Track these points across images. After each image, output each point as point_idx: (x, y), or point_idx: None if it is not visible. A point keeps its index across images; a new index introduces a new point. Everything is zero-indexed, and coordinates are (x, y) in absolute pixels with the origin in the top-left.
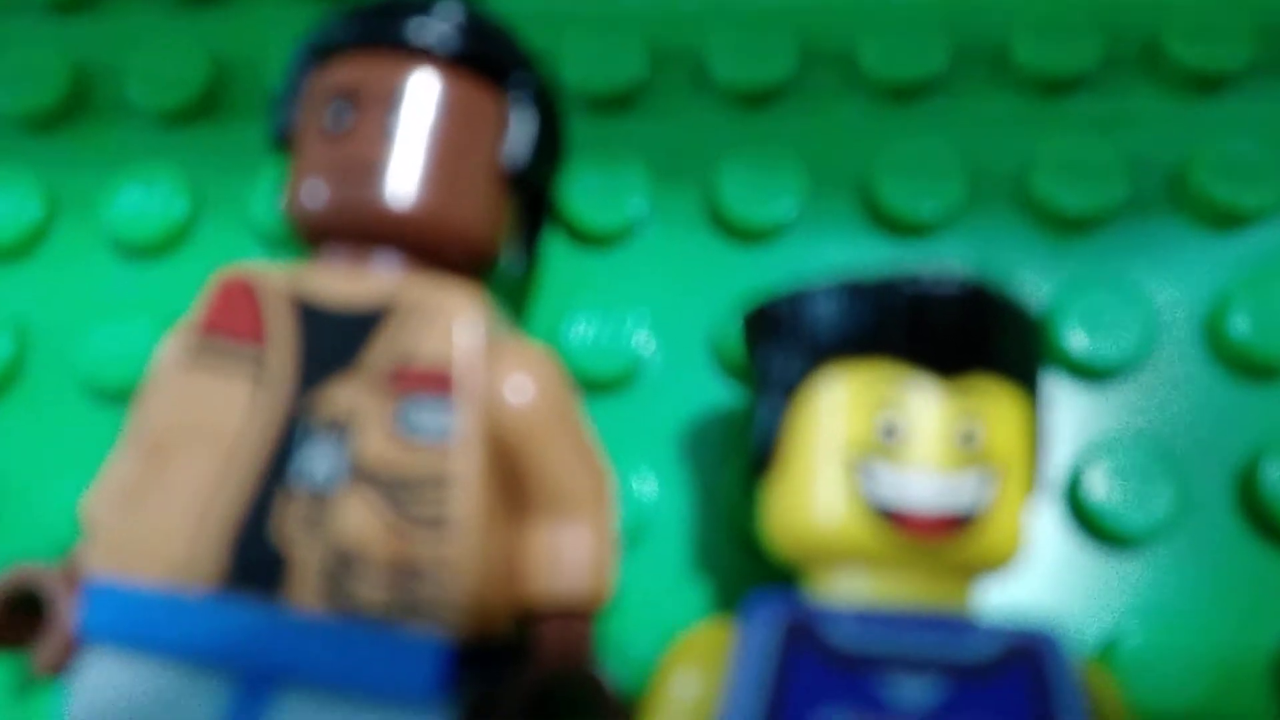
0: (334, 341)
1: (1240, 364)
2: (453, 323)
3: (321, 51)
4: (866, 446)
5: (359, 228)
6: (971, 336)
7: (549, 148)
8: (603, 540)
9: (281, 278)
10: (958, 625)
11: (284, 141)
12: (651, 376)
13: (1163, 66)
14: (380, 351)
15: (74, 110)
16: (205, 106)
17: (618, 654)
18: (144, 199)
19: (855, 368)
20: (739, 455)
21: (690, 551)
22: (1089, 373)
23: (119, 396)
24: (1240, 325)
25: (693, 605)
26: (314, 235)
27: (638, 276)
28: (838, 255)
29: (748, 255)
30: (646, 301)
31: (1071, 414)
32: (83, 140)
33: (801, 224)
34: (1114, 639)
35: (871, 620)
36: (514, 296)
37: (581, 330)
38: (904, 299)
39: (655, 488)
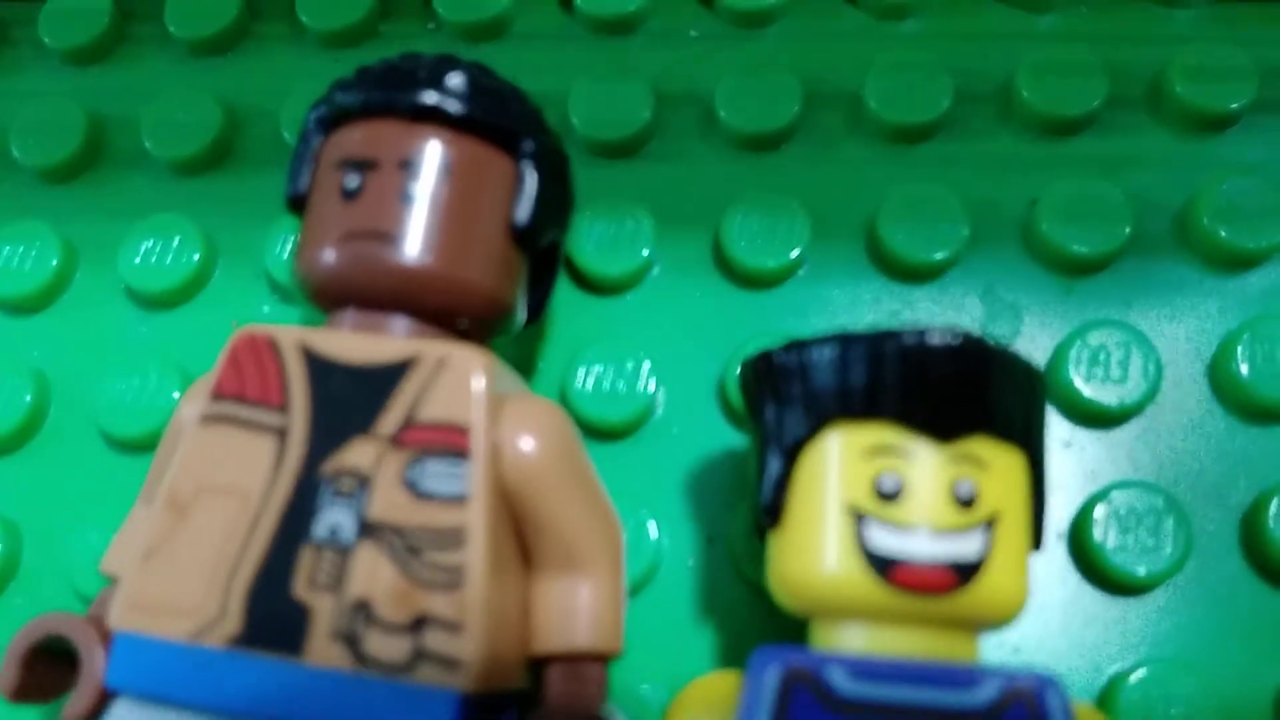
0: (350, 401)
1: (1246, 407)
2: (462, 381)
3: (333, 117)
4: (866, 506)
5: (372, 290)
6: (967, 402)
7: (558, 206)
8: (614, 593)
9: (299, 338)
10: (956, 673)
11: (297, 206)
12: (660, 423)
13: (1167, 107)
14: (394, 411)
15: (91, 161)
16: (218, 156)
17: (625, 701)
18: (160, 250)
19: (855, 428)
20: (746, 503)
21: (698, 598)
22: (1094, 417)
23: (137, 446)
24: (1246, 368)
25: (701, 652)
26: (327, 298)
27: (645, 323)
28: (843, 299)
29: (754, 300)
30: (654, 348)
31: (1076, 458)
32: (99, 191)
33: (807, 269)
34: (1119, 684)
35: (872, 668)
36: (524, 344)
37: (590, 377)
38: (897, 364)
39: (664, 534)
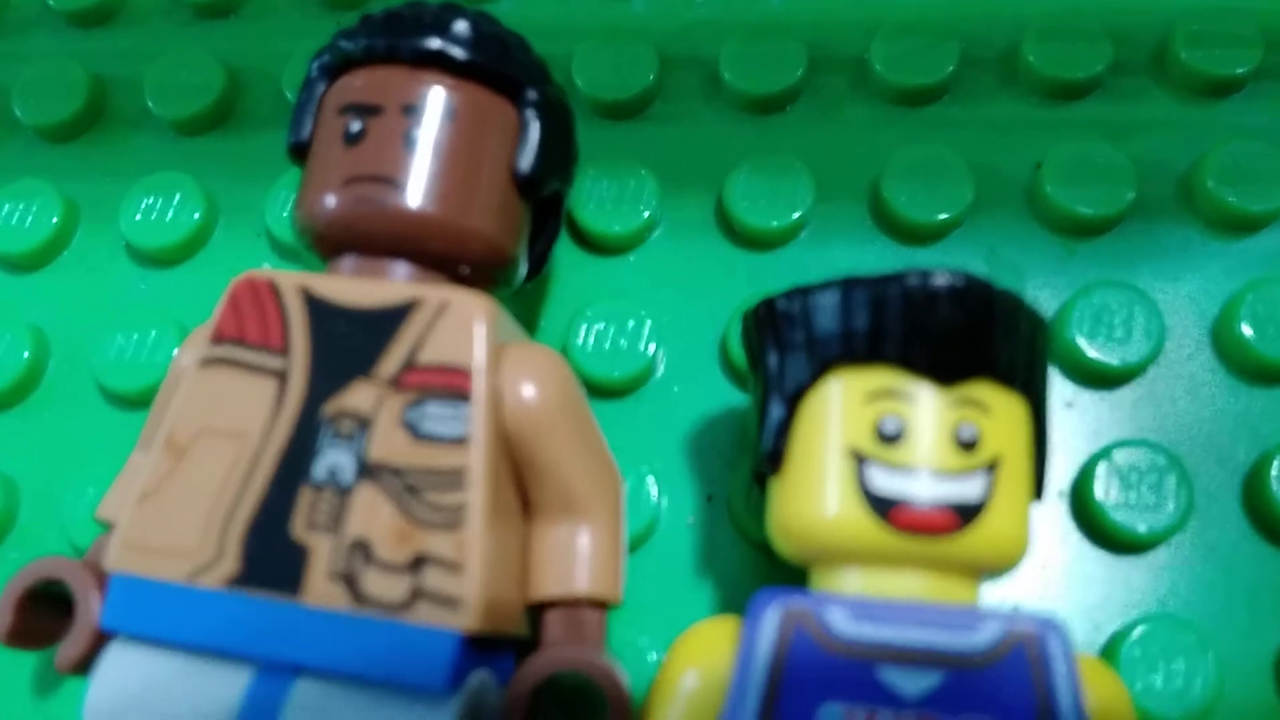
0: (350, 345)
1: (1248, 368)
2: (464, 325)
3: (336, 64)
4: (867, 448)
5: (374, 236)
6: (969, 345)
7: (561, 156)
8: (614, 540)
9: (299, 282)
10: (957, 615)
11: (299, 154)
12: (661, 382)
13: (1172, 71)
14: (394, 354)
15: (93, 121)
16: (220, 117)
17: (623, 654)
18: (161, 208)
19: (857, 372)
20: (748, 456)
21: (697, 555)
22: (1097, 377)
23: (136, 402)
24: (1249, 329)
25: (699, 607)
26: (327, 244)
27: (647, 282)
28: (847, 261)
29: (756, 261)
30: (656, 307)
31: (1079, 417)
32: (101, 151)
33: (810, 230)
34: (1119, 641)
35: (872, 610)
36: (526, 302)
37: (592, 335)
38: (900, 308)
39: (663, 492)
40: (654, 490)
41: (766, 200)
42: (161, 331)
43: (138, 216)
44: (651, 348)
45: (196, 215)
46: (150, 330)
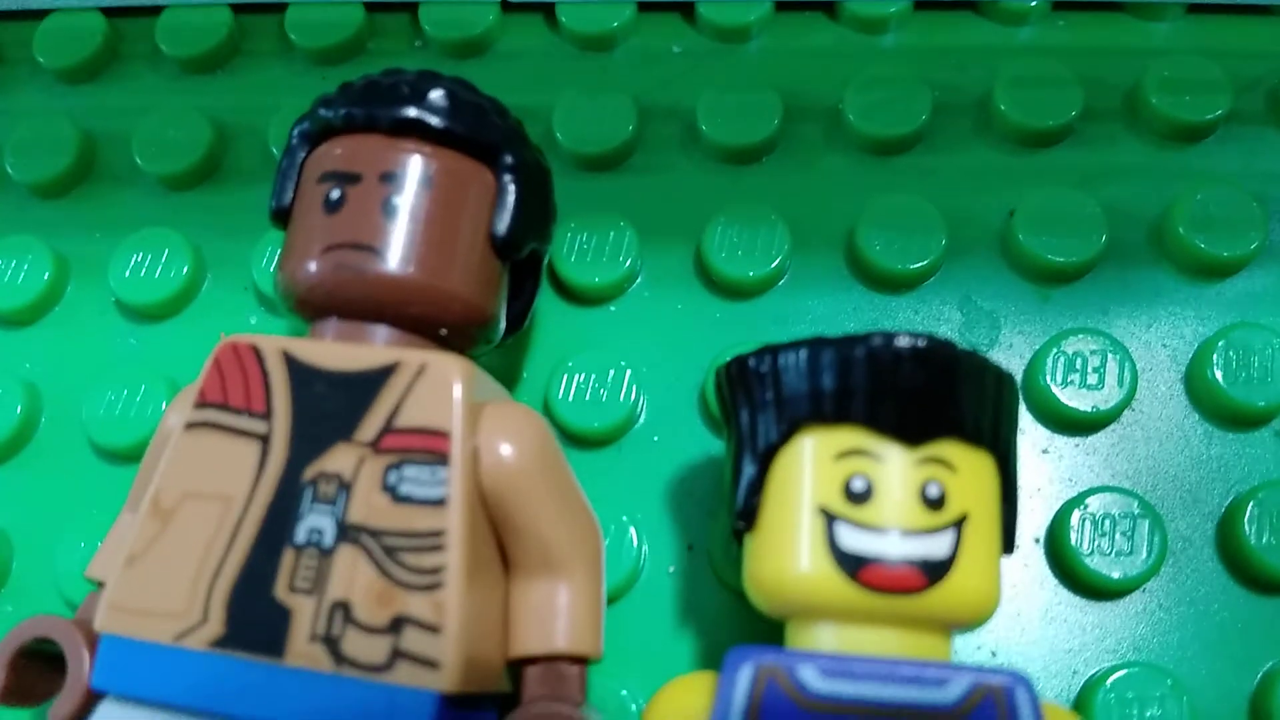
0: (332, 408)
1: (1221, 413)
2: (441, 388)
3: (316, 132)
4: (836, 507)
5: (354, 301)
6: (934, 406)
7: (538, 218)
8: (593, 596)
9: (281, 346)
10: (927, 670)
11: (281, 219)
12: (641, 431)
13: (1143, 118)
14: (375, 417)
15: (82, 177)
16: (207, 172)
17: (605, 706)
18: (149, 263)
19: (826, 431)
20: (725, 510)
21: (678, 605)
22: (1071, 423)
23: (127, 456)
24: (1221, 374)
25: (680, 658)
26: (309, 308)
27: (628, 332)
28: (823, 310)
29: (735, 311)
30: (636, 357)
31: (1053, 464)
32: (90, 206)
33: (787, 279)
34: (1094, 687)
35: (844, 666)
36: (507, 354)
37: (573, 386)
38: (866, 369)
39: (644, 541)
40: (635, 539)
41: (744, 250)
42: (151, 386)
43: (127, 272)
44: (632, 397)
45: (185, 270)
46: (140, 385)
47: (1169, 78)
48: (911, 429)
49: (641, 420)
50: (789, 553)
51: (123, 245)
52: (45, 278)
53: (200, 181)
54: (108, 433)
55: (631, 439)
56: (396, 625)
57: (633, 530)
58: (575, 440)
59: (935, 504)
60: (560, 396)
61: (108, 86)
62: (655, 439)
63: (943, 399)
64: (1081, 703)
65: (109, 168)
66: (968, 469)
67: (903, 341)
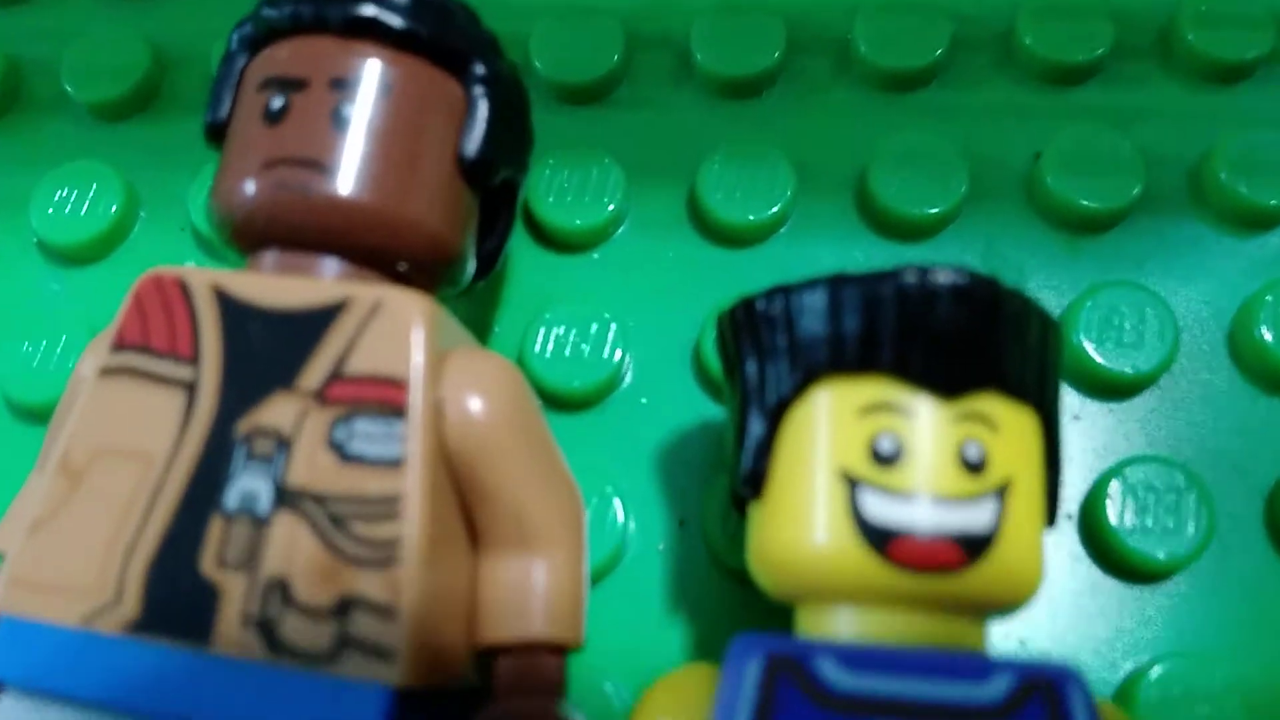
0: (270, 352)
1: (1268, 376)
2: (399, 329)
3: (259, 36)
4: (860, 471)
5: (298, 227)
6: (974, 352)
7: (513, 139)
8: (574, 575)
9: (213, 280)
10: (964, 663)
11: (217, 135)
12: (628, 392)
13: (1179, 55)
14: (319, 362)
15: (5, 106)
16: (143, 101)
17: (587, 701)
18: (75, 200)
19: (848, 383)
20: (724, 475)
21: (669, 587)
22: (1105, 387)
23: (44, 415)
24: (1268, 333)
25: (671, 647)
26: (246, 237)
27: (612, 282)
28: (830, 259)
29: (732, 260)
30: (622, 310)
31: (1087, 431)
32: (12, 138)
33: (790, 225)
34: (1137, 680)
35: (867, 658)
36: (477, 304)
37: (550, 341)
38: (896, 309)
39: (631, 516)
40: (620, 514)
41: (743, 193)
42: (73, 337)
43: (50, 210)
44: (617, 354)
45: (114, 208)
46: (61, 335)
47: (1206, 12)
48: (948, 379)
49: (627, 380)
50: (804, 524)
51: (46, 179)
52: None
53: (135, 112)
54: (23, 388)
55: (616, 401)
56: (343, 607)
57: (617, 503)
58: (553, 402)
59: (975, 467)
60: (536, 352)
61: (36, 8)
62: (643, 401)
63: (983, 344)
64: (1122, 697)
65: (34, 95)
66: (1011, 427)
67: (939, 277)
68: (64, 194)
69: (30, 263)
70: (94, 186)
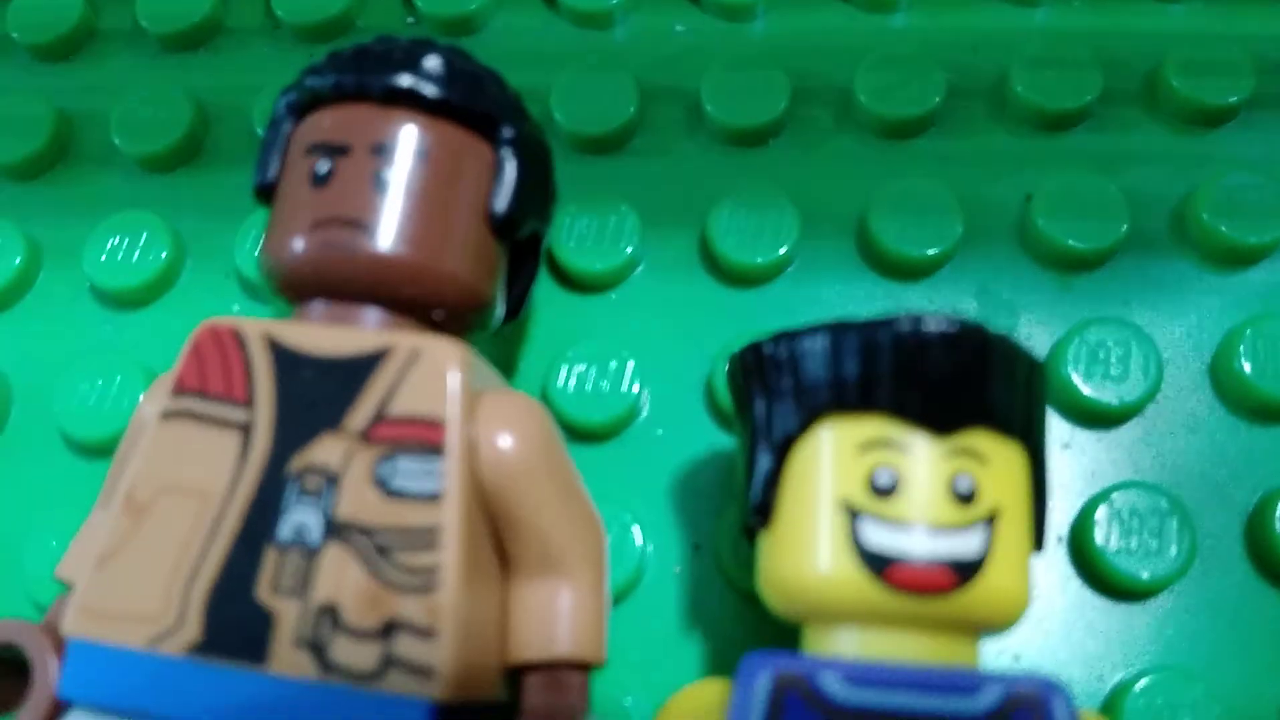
0: (318, 396)
1: (1249, 406)
2: (436, 374)
3: (304, 102)
4: (860, 502)
5: (343, 281)
6: (965, 393)
7: (539, 196)
8: (596, 598)
9: (265, 330)
10: (956, 678)
11: (266, 195)
12: (644, 424)
13: (1164, 101)
14: (364, 405)
15: (58, 159)
16: (189, 153)
17: (610, 713)
18: (126, 248)
19: (849, 421)
20: (735, 505)
21: (684, 607)
22: (1093, 417)
23: (100, 450)
24: (1248, 365)
25: (687, 663)
26: (294, 289)
27: (630, 321)
28: (834, 298)
29: (741, 299)
30: (639, 347)
31: (1076, 459)
32: (66, 189)
33: (796, 266)
34: (1122, 694)
35: (868, 674)
36: (504, 344)
37: (572, 377)
38: (892, 354)
39: (648, 540)
40: (639, 538)
41: (751, 236)
42: (127, 377)
43: (103, 257)
44: (635, 389)
45: (163, 255)
46: (116, 375)
47: (1190, 60)
48: (941, 417)
49: (644, 413)
50: (808, 551)
51: (99, 229)
52: (16, 263)
53: (181, 163)
54: (81, 425)
55: (633, 433)
56: (388, 630)
57: (636, 529)
58: (575, 434)
59: (966, 498)
60: (559, 388)
61: (85, 64)
62: (659, 433)
63: (973, 386)
64: (1109, 710)
65: (85, 149)
66: (999, 461)
67: (931, 325)
68: (115, 242)
69: (84, 307)
70: (144, 235)
